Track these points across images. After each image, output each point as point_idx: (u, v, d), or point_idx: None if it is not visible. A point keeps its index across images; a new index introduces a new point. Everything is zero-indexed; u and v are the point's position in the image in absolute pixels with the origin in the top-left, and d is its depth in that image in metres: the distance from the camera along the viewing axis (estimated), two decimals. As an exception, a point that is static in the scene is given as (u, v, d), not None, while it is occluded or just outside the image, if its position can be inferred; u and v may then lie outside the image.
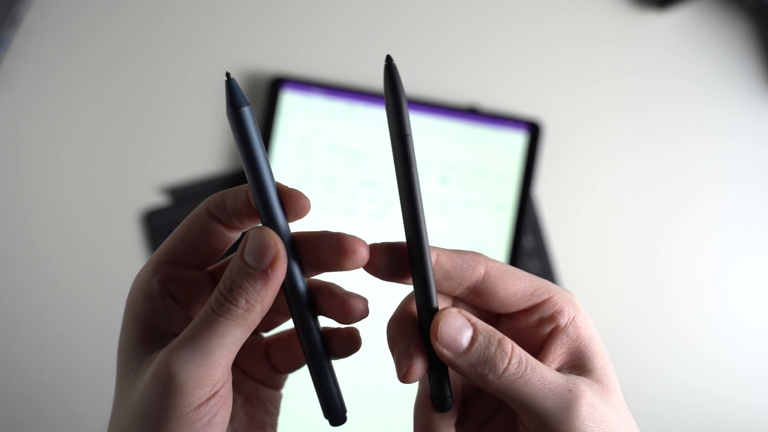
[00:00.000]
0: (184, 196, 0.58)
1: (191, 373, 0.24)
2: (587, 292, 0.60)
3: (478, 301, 0.28)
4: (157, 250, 0.28)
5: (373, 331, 0.57)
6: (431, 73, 0.61)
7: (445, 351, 0.26)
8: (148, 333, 0.26)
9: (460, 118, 0.59)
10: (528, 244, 0.60)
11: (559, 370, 0.28)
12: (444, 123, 0.59)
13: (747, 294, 0.62)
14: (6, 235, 0.58)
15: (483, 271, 0.28)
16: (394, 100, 0.25)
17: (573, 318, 0.28)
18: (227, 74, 0.25)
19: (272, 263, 0.25)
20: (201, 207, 0.27)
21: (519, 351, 0.26)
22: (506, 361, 0.26)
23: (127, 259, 0.58)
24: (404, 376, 0.27)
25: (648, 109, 0.62)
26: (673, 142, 0.62)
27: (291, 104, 0.59)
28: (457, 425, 0.30)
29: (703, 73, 0.63)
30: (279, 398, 0.34)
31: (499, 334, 0.26)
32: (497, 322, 0.30)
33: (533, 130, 0.59)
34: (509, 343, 0.26)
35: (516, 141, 0.59)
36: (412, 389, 0.32)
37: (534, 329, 0.28)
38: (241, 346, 0.25)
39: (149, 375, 0.24)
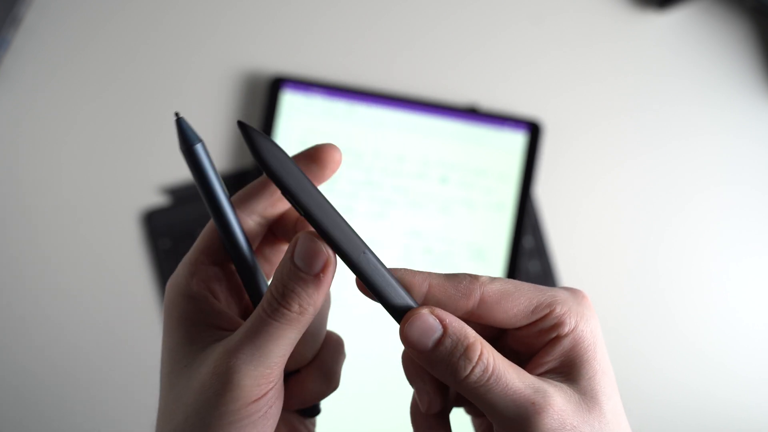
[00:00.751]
0: (184, 196, 0.58)
1: (250, 372, 0.25)
2: (587, 292, 0.60)
3: (476, 321, 0.28)
4: (191, 251, 0.29)
5: (372, 331, 0.57)
6: (431, 73, 0.61)
7: (410, 349, 0.27)
8: (195, 332, 0.27)
9: (460, 118, 0.59)
10: (528, 244, 0.60)
11: (545, 375, 0.27)
12: (444, 123, 0.59)
13: (747, 294, 0.62)
14: (6, 235, 0.58)
15: (478, 298, 0.27)
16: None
17: (573, 328, 0.28)
18: (176, 114, 0.25)
19: (324, 268, 0.25)
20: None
21: (487, 358, 0.26)
22: (468, 369, 0.26)
23: (127, 259, 0.58)
24: (426, 410, 0.29)
25: (648, 109, 0.62)
26: (673, 142, 0.62)
27: (291, 104, 0.59)
28: (466, 405, 0.32)
29: (703, 73, 0.63)
30: (313, 423, 0.34)
31: (470, 339, 0.26)
32: (501, 334, 0.30)
33: (533, 130, 0.59)
34: (477, 351, 0.26)
35: (516, 141, 0.59)
36: (411, 393, 0.32)
37: (535, 338, 0.28)
38: (295, 344, 0.26)
39: (207, 374, 0.25)
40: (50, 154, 0.58)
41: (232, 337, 0.26)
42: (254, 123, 0.60)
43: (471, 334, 0.27)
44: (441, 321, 0.26)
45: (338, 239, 0.26)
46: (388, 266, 0.27)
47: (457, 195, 0.59)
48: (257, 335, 0.25)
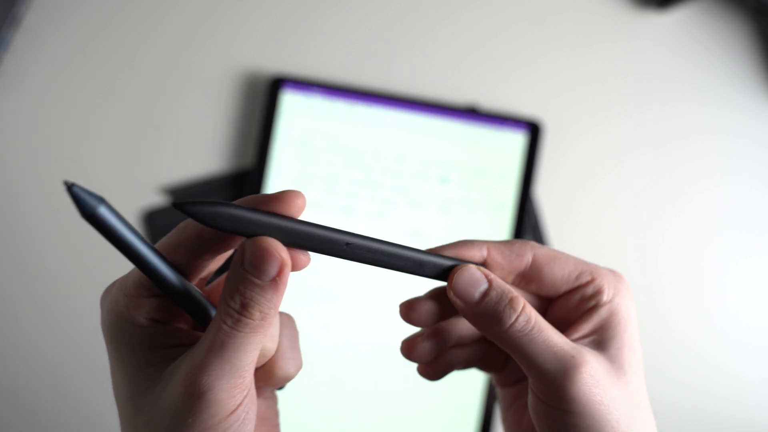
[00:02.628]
0: (184, 196, 0.59)
1: (223, 385, 0.24)
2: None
3: (528, 288, 0.31)
4: (128, 282, 0.27)
5: (370, 330, 0.57)
6: (431, 73, 0.61)
7: (457, 300, 0.29)
8: (152, 355, 0.26)
9: (460, 118, 0.59)
10: (528, 244, 0.60)
11: (577, 340, 0.29)
12: (444, 123, 0.59)
13: (747, 294, 0.62)
14: (5, 234, 0.58)
15: (531, 259, 0.30)
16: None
17: (611, 299, 0.30)
18: (66, 184, 0.22)
19: (279, 272, 0.25)
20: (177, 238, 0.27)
21: (529, 311, 0.28)
22: (513, 318, 0.28)
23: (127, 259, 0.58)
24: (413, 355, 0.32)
25: (648, 109, 0.62)
26: (673, 142, 0.62)
27: (291, 104, 0.59)
28: (495, 373, 0.35)
29: (703, 73, 0.63)
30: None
31: (514, 293, 0.28)
32: (547, 308, 0.32)
33: (533, 130, 0.59)
34: (521, 303, 0.28)
35: (516, 141, 0.59)
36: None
37: (575, 308, 0.31)
38: (261, 346, 0.26)
39: (178, 393, 0.25)
40: (50, 154, 0.58)
41: (196, 352, 0.25)
42: (254, 123, 0.60)
43: (514, 289, 0.29)
44: (486, 276, 0.29)
45: (318, 246, 0.26)
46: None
47: (457, 195, 0.59)
48: (223, 348, 0.24)
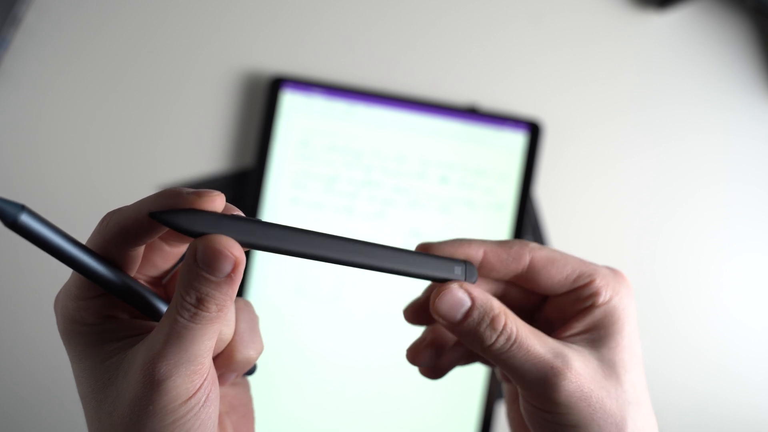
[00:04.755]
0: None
1: (181, 372, 0.25)
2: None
3: (525, 286, 0.32)
4: (72, 284, 0.27)
5: (373, 334, 0.57)
6: (431, 73, 0.61)
7: (440, 319, 0.29)
8: (107, 350, 0.27)
9: (460, 118, 0.59)
10: (528, 244, 0.60)
11: (570, 338, 0.30)
12: (444, 123, 0.59)
13: (746, 294, 0.62)
14: (5, 234, 0.58)
15: (528, 261, 0.31)
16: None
17: (607, 300, 0.30)
18: None
19: (234, 269, 0.25)
20: (105, 237, 0.26)
21: (510, 328, 0.28)
22: (493, 338, 0.28)
23: (127, 259, 0.58)
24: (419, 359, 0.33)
25: (648, 109, 0.62)
26: (673, 142, 0.62)
27: (291, 104, 0.59)
28: None
29: (703, 72, 0.63)
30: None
31: (495, 310, 0.29)
32: (543, 303, 0.33)
33: (533, 130, 0.59)
34: (501, 321, 0.28)
35: (516, 141, 0.59)
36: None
37: (570, 306, 0.31)
38: (218, 333, 0.26)
39: (138, 382, 0.25)
40: (50, 155, 0.58)
41: (152, 341, 0.25)
42: (254, 123, 0.60)
43: (496, 305, 0.29)
44: (469, 294, 0.29)
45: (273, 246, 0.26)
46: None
47: (457, 195, 0.59)
48: (180, 340, 0.25)
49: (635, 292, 0.63)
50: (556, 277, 0.31)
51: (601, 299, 0.30)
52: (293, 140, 0.58)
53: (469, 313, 0.29)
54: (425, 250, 0.31)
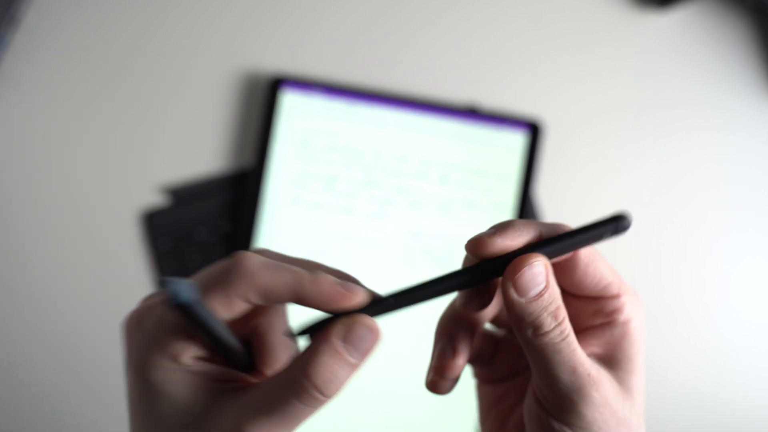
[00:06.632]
0: (184, 196, 0.58)
1: None
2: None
3: (559, 274, 0.30)
4: (172, 321, 0.26)
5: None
6: (431, 73, 0.61)
7: (512, 293, 0.27)
8: (193, 392, 0.26)
9: (460, 118, 0.59)
10: (528, 244, 0.60)
11: (591, 357, 0.29)
12: (444, 123, 0.59)
13: (749, 294, 0.62)
14: (5, 235, 0.58)
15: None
16: None
17: (628, 321, 0.29)
18: (161, 283, 0.23)
19: (370, 348, 0.25)
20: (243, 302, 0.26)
21: (566, 324, 0.27)
22: (551, 327, 0.27)
23: (127, 259, 0.58)
24: (440, 371, 0.30)
25: (648, 109, 0.62)
26: (673, 142, 0.62)
27: (291, 104, 0.59)
28: (480, 368, 0.33)
29: (703, 73, 0.63)
30: None
31: (560, 301, 0.28)
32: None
33: (533, 130, 0.59)
34: (562, 314, 0.27)
35: (516, 141, 0.59)
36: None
37: (589, 316, 0.30)
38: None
39: None
40: (50, 154, 0.58)
41: (249, 403, 0.25)
42: (254, 123, 0.60)
43: (560, 298, 0.28)
44: (546, 275, 0.28)
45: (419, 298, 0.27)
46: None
47: (457, 195, 0.59)
48: (283, 417, 0.25)
49: (637, 292, 0.63)
50: (591, 277, 0.29)
51: (623, 318, 0.29)
52: (293, 140, 0.58)
53: (541, 293, 0.27)
54: (474, 249, 0.29)
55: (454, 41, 0.62)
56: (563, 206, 0.61)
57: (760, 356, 0.61)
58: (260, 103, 0.60)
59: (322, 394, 0.25)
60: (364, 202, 0.58)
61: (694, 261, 0.62)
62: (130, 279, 0.58)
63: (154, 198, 0.58)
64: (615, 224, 0.29)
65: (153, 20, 0.60)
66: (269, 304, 0.27)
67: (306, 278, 0.26)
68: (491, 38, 0.62)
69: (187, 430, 0.25)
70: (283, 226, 0.58)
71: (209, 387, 0.26)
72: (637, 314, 0.30)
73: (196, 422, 0.25)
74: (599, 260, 0.30)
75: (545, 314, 0.27)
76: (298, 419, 0.25)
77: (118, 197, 0.58)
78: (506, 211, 0.59)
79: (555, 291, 0.28)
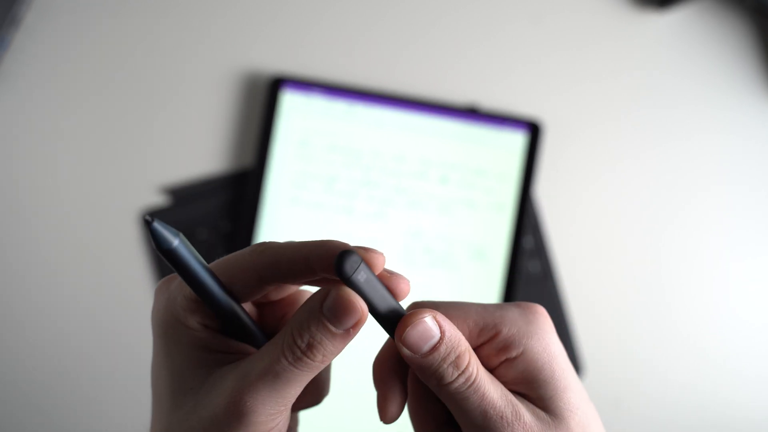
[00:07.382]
0: (184, 196, 0.59)
1: (266, 410, 0.25)
2: (587, 293, 0.60)
3: None
4: (185, 289, 0.28)
5: (374, 334, 0.57)
6: (431, 73, 0.61)
7: (404, 350, 0.27)
8: (200, 356, 0.27)
9: (460, 118, 0.59)
10: (528, 244, 0.60)
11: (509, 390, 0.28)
12: (444, 123, 0.59)
13: (748, 294, 0.62)
14: (4, 235, 0.58)
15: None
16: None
17: (522, 351, 0.28)
18: (147, 219, 0.24)
19: (355, 325, 0.25)
20: (248, 262, 0.27)
21: (472, 369, 0.27)
22: (454, 377, 0.27)
23: (127, 259, 0.58)
24: (385, 416, 0.29)
25: (648, 109, 0.62)
26: (673, 142, 0.62)
27: (291, 104, 0.59)
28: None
29: (703, 72, 0.63)
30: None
31: (462, 348, 0.27)
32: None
33: (533, 130, 0.59)
34: (465, 360, 0.27)
35: (516, 141, 0.59)
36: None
37: (489, 359, 0.29)
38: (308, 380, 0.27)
39: (220, 405, 0.25)
40: (50, 154, 0.58)
41: (246, 369, 0.26)
42: (254, 123, 0.60)
43: (464, 343, 0.27)
44: (440, 327, 0.27)
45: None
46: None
47: (457, 195, 0.59)
48: (276, 379, 0.25)
49: (636, 291, 0.63)
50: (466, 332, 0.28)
51: (515, 352, 0.28)
52: (293, 140, 0.58)
53: (436, 346, 0.26)
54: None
55: (454, 41, 0.62)
56: (563, 206, 0.61)
57: (759, 356, 0.61)
58: (260, 103, 0.60)
59: (306, 354, 0.25)
60: (364, 202, 0.58)
61: (694, 261, 0.62)
62: (130, 279, 0.58)
63: (154, 198, 0.58)
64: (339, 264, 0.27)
65: (153, 20, 0.60)
66: (284, 278, 0.27)
67: (315, 243, 0.27)
68: (491, 38, 0.62)
69: (186, 397, 0.27)
70: (283, 226, 0.58)
71: (210, 354, 0.27)
72: (531, 336, 0.28)
73: (194, 389, 0.26)
74: (457, 316, 0.28)
75: (444, 366, 0.27)
76: (291, 383, 0.26)
77: (118, 197, 0.58)
78: (506, 211, 0.59)
79: (453, 340, 0.27)
